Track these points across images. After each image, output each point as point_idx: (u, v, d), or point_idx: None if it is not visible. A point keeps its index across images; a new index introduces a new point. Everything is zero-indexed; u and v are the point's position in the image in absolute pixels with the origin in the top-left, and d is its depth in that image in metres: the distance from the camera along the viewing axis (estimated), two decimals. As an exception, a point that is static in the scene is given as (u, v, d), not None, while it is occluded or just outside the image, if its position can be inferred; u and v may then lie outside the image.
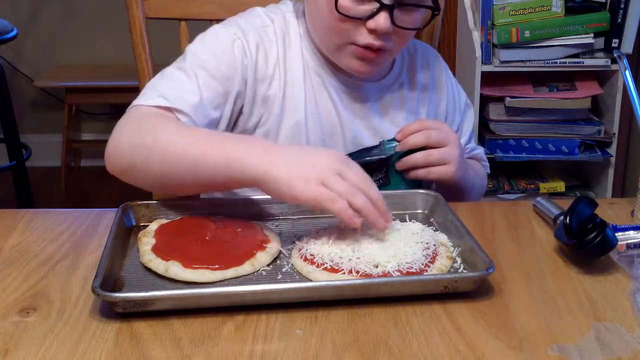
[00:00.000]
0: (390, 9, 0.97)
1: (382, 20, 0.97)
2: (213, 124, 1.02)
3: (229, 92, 1.03)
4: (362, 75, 1.06)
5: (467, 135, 1.23)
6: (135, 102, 1.00)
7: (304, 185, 0.81)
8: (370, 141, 1.11)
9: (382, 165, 1.09)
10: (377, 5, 0.97)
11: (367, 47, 1.00)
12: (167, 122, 0.96)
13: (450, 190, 1.08)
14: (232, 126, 1.07)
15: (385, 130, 1.12)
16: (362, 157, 1.08)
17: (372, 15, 0.97)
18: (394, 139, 1.08)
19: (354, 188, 0.82)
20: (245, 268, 0.82)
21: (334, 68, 1.09)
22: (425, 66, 1.18)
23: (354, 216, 0.81)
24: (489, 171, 1.28)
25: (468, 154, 1.23)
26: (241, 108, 1.06)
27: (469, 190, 1.13)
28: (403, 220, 0.93)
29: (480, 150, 1.26)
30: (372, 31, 0.98)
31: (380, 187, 1.09)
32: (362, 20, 0.98)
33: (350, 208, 0.81)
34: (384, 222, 0.84)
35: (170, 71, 1.04)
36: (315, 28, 1.06)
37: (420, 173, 1.07)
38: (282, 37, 1.08)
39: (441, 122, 1.15)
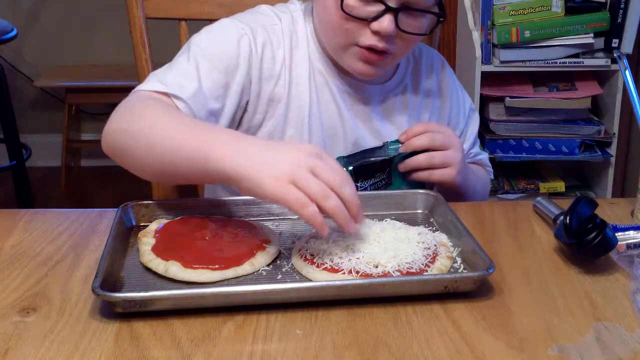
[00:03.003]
0: (395, 12, 0.97)
1: (386, 23, 0.97)
2: (213, 116, 1.01)
3: (230, 85, 1.02)
4: (364, 77, 1.06)
5: (471, 140, 1.22)
6: (136, 88, 1.00)
7: (274, 185, 0.77)
8: (371, 144, 1.10)
9: (384, 166, 1.09)
10: (382, 7, 0.96)
11: (370, 49, 1.00)
12: (155, 106, 0.94)
13: (452, 194, 1.08)
14: (237, 123, 1.06)
15: (387, 133, 1.12)
16: (365, 157, 1.08)
17: (377, 17, 0.97)
18: (397, 141, 1.08)
19: (326, 188, 0.77)
20: (245, 268, 0.82)
21: (339, 69, 1.09)
22: (429, 70, 1.18)
23: (324, 224, 0.77)
24: (492, 177, 1.27)
25: (472, 158, 1.22)
26: (246, 105, 1.06)
27: (470, 195, 1.13)
28: (401, 220, 0.93)
29: (484, 156, 1.25)
30: (375, 33, 0.98)
31: (382, 187, 1.09)
32: (367, 21, 0.98)
33: (320, 214, 0.76)
34: (354, 226, 0.80)
35: (174, 60, 1.04)
36: (321, 27, 1.06)
37: (422, 175, 1.07)
38: (289, 36, 1.08)
39: (445, 125, 1.15)
